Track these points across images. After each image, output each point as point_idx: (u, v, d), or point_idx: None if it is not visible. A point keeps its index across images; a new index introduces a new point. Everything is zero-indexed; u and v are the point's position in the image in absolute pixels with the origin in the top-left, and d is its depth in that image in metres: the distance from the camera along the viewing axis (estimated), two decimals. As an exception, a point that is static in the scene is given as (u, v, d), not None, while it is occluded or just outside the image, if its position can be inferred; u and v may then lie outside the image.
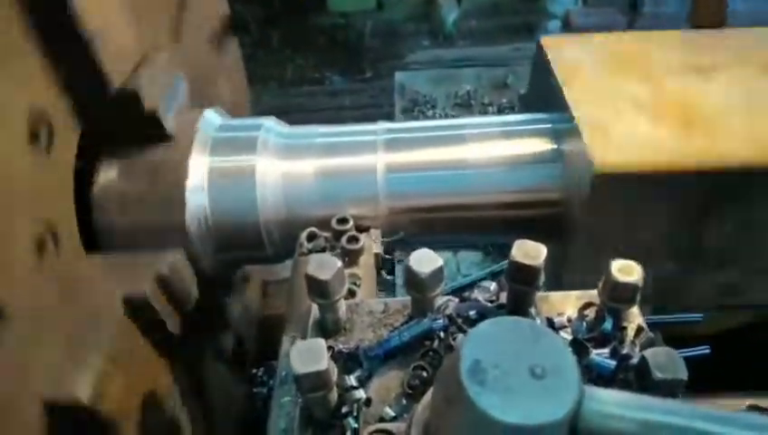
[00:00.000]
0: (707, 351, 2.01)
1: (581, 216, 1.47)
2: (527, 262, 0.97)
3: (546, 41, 1.80)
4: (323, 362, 0.84)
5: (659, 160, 1.41)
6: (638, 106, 1.56)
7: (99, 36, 1.33)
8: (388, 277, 2.63)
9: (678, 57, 1.73)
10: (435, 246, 1.79)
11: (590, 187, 1.40)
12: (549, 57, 1.71)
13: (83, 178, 1.50)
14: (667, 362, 0.90)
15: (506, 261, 2.50)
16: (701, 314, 1.80)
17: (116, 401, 1.27)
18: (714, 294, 1.63)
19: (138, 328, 1.41)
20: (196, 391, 1.77)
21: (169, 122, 1.55)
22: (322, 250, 1.47)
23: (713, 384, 1.14)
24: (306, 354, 0.86)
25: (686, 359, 1.39)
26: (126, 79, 1.44)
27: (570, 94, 1.57)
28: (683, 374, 0.89)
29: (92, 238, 1.52)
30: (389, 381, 1.00)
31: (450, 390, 0.70)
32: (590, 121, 1.49)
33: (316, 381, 0.85)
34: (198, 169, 1.56)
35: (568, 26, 5.96)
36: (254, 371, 2.80)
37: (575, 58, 1.73)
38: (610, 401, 0.69)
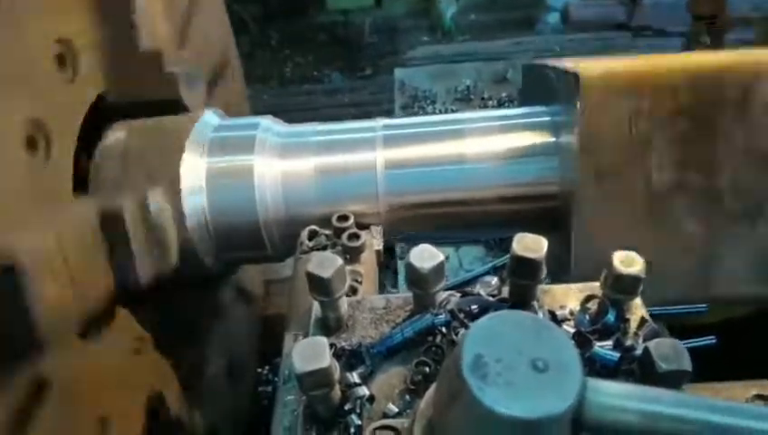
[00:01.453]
0: (713, 341, 2.00)
1: (579, 157, 1.45)
2: (528, 255, 0.97)
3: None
4: (325, 360, 0.84)
5: (643, 65, 1.42)
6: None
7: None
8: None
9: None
10: (437, 242, 1.80)
11: (581, 101, 1.40)
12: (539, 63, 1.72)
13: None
14: (670, 352, 0.90)
15: (508, 254, 2.50)
16: (705, 305, 1.79)
17: (54, 315, 1.18)
18: (753, 273, 1.51)
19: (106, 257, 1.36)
20: (195, 394, 1.76)
21: (186, 93, 1.62)
22: (323, 248, 1.46)
23: (718, 373, 1.13)
24: (308, 352, 0.85)
25: (692, 349, 1.38)
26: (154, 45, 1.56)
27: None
28: (687, 365, 0.89)
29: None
30: (392, 378, 1.00)
31: (452, 385, 0.70)
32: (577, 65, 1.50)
33: (318, 379, 0.85)
34: (196, 171, 1.56)
35: (567, 19, 5.95)
36: (259, 370, 2.81)
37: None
38: (613, 393, 0.69)
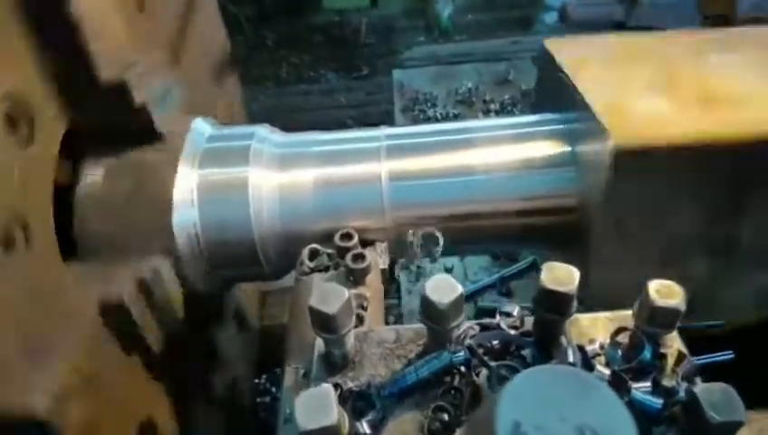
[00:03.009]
0: (731, 356, 1.91)
1: (601, 206, 1.36)
2: (559, 288, 0.86)
3: (549, 43, 1.70)
4: (332, 416, 0.74)
5: (683, 134, 1.30)
6: (653, 88, 1.46)
7: (90, 23, 1.25)
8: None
9: (689, 47, 1.63)
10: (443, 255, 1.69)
11: (609, 169, 1.29)
12: (554, 56, 1.61)
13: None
14: (722, 400, 0.80)
15: (515, 265, 2.39)
16: (722, 322, 1.71)
17: (79, 424, 1.13)
18: (751, 302, 1.51)
19: (115, 341, 1.29)
20: (185, 426, 1.66)
21: (160, 120, 1.45)
22: (326, 269, 1.36)
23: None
24: (313, 405, 0.75)
25: (710, 364, 1.28)
26: (116, 72, 1.35)
27: (581, 84, 1.46)
28: (741, 416, 0.79)
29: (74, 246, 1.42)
30: (406, 425, 0.90)
31: (485, 457, 0.59)
32: (604, 103, 1.38)
33: (325, 437, 0.74)
34: (187, 183, 1.45)
35: (565, 18, 5.87)
36: (257, 380, 2.71)
37: (582, 54, 1.63)
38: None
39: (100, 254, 1.41)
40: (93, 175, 1.43)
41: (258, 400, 2.72)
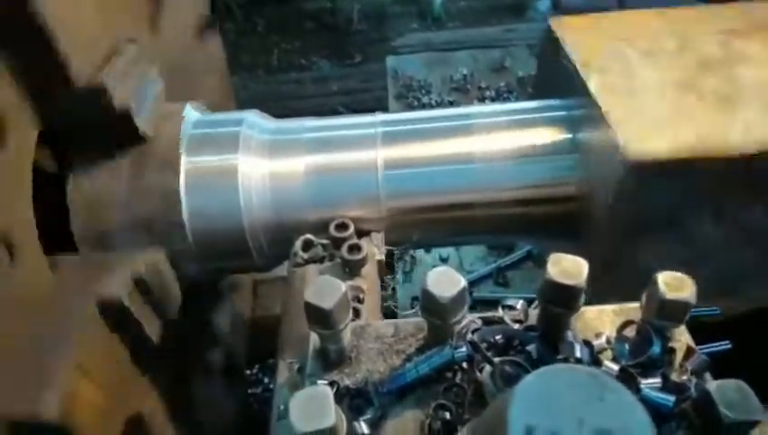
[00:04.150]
0: (728, 346, 1.88)
1: (609, 214, 1.31)
2: (566, 281, 0.82)
3: (556, 22, 1.63)
4: (330, 418, 0.69)
5: (697, 145, 1.25)
6: (671, 83, 1.40)
7: (59, 25, 1.16)
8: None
9: (706, 31, 1.57)
10: (441, 246, 1.63)
11: (621, 181, 1.25)
12: (562, 39, 1.55)
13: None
14: (736, 398, 0.76)
15: (511, 255, 2.34)
16: (718, 309, 1.68)
17: (90, 418, 1.14)
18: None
19: (115, 336, 1.28)
20: (183, 409, 1.63)
21: (143, 121, 1.39)
22: (320, 260, 1.31)
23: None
24: (309, 407, 0.70)
25: (708, 354, 1.25)
26: (93, 74, 1.27)
27: (591, 80, 1.40)
28: (758, 413, 0.75)
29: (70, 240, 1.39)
30: (407, 424, 0.86)
31: (496, 464, 0.55)
32: (618, 108, 1.33)
33: (322, 440, 0.70)
34: None
35: (558, 5, 5.83)
36: (249, 371, 2.68)
37: (592, 38, 1.56)
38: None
39: (97, 246, 1.38)
40: (84, 169, 1.38)
41: (250, 391, 2.69)
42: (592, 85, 1.39)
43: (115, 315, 1.25)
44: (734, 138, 1.26)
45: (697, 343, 1.02)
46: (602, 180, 1.34)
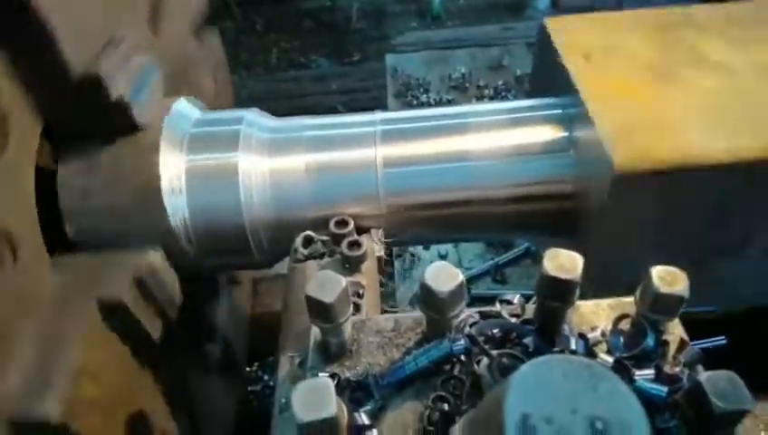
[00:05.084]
0: (723, 341, 1.90)
1: (600, 218, 1.34)
2: (562, 276, 0.84)
3: (551, 22, 1.65)
4: (331, 407, 0.71)
5: (690, 155, 1.27)
6: (662, 85, 1.42)
7: (56, 14, 1.16)
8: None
9: (702, 35, 1.59)
10: (439, 243, 1.65)
11: (609, 190, 1.27)
12: (556, 41, 1.57)
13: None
14: (728, 389, 0.78)
15: (509, 252, 2.36)
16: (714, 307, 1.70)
17: (91, 417, 1.16)
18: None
19: (116, 335, 1.29)
20: (184, 405, 1.65)
21: (139, 111, 1.38)
22: (320, 256, 1.33)
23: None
24: (311, 397, 0.72)
25: (704, 350, 1.26)
26: (89, 63, 1.26)
27: (583, 85, 1.42)
28: (747, 404, 0.77)
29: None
30: (406, 415, 0.88)
31: (493, 451, 0.57)
32: (608, 114, 1.35)
33: (324, 429, 0.72)
34: (175, 170, 1.41)
35: (557, 4, 5.84)
36: (248, 368, 2.70)
37: (586, 40, 1.58)
38: (688, 459, 0.57)
39: (96, 246, 1.38)
40: (75, 168, 1.38)
41: (250, 388, 2.71)
42: (580, 86, 1.41)
43: (116, 315, 1.26)
44: (718, 147, 1.28)
45: (693, 338, 1.05)
46: (595, 180, 1.36)
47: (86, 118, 1.35)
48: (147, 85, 1.43)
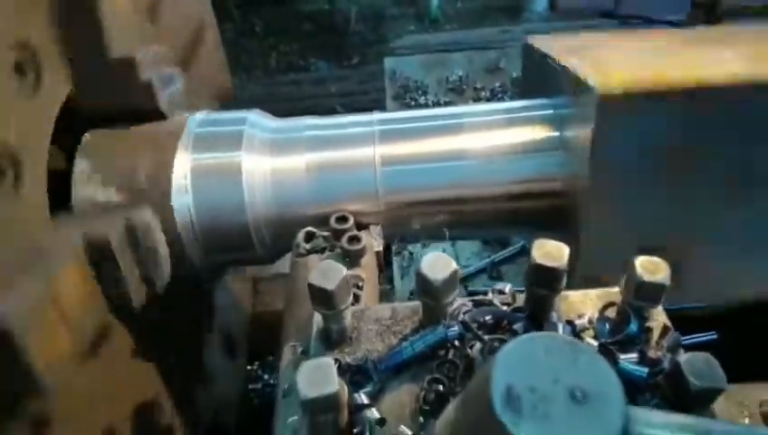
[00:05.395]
0: (714, 336, 1.95)
1: (588, 176, 1.36)
2: (549, 264, 0.90)
3: (533, 39, 1.75)
4: (333, 384, 0.77)
5: (668, 79, 1.28)
6: (639, 56, 1.49)
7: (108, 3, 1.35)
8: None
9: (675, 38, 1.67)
10: (436, 240, 1.70)
11: (594, 120, 1.27)
12: (543, 48, 1.64)
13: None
14: (704, 368, 0.84)
15: (505, 250, 2.41)
16: (703, 303, 1.75)
17: (52, 354, 1.08)
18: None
19: (96, 286, 1.26)
20: (182, 388, 1.68)
21: (164, 100, 1.49)
22: (321, 251, 1.39)
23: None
24: (314, 375, 0.78)
25: (694, 345, 1.32)
26: (127, 49, 1.42)
27: (579, 69, 1.46)
28: (722, 382, 0.83)
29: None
30: (403, 396, 0.93)
31: (481, 418, 0.62)
32: (588, 68, 1.37)
33: (326, 405, 0.78)
34: (180, 168, 1.47)
35: (554, 6, 5.90)
36: (249, 367, 2.73)
37: (571, 45, 1.65)
38: (660, 425, 0.62)
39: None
40: (94, 145, 1.46)
41: (250, 386, 2.75)
42: (575, 70, 1.44)
43: (100, 259, 1.23)
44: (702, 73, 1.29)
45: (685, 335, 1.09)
46: (582, 151, 1.38)
47: (113, 97, 1.46)
48: (173, 84, 1.56)
